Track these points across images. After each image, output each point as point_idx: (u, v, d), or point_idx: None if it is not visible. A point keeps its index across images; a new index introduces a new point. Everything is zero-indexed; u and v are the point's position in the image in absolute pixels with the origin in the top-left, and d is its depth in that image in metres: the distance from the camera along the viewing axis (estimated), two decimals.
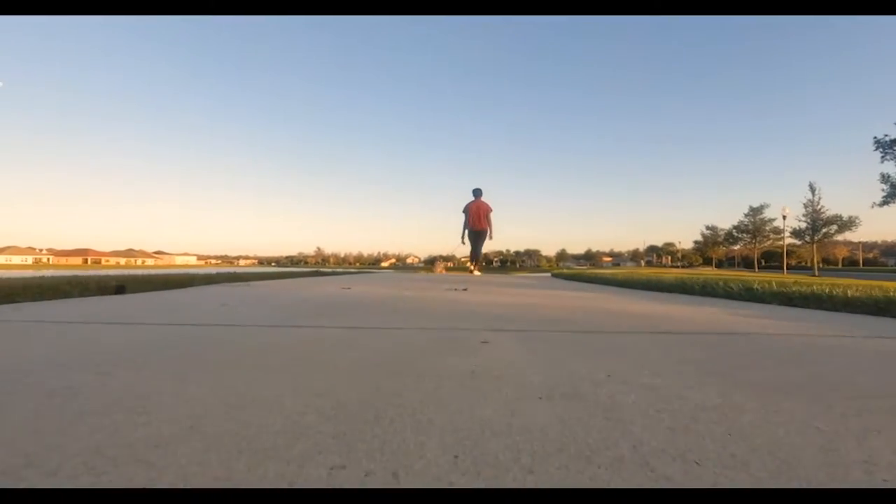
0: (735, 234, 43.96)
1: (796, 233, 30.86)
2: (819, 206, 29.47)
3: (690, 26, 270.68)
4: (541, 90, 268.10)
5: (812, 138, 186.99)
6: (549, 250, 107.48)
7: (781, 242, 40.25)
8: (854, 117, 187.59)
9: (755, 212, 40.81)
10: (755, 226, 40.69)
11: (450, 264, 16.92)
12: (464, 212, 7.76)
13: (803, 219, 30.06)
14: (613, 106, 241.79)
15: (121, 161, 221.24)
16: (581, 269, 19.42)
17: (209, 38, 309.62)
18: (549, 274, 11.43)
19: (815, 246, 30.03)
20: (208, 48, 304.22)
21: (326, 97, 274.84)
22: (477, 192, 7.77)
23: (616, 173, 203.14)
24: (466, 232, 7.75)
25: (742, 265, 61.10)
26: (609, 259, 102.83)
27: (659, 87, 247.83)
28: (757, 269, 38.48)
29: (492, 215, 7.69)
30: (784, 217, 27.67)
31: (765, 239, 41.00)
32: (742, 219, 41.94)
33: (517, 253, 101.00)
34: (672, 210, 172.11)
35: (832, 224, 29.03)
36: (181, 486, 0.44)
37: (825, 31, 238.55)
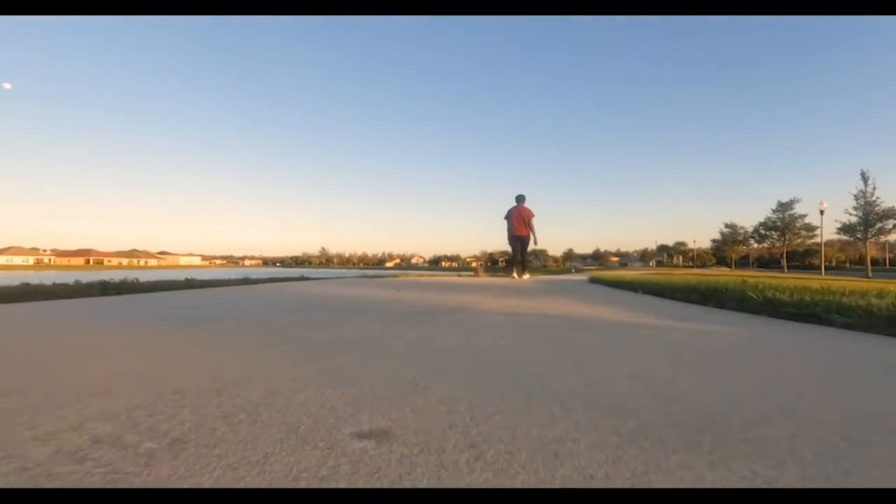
0: (762, 231, 40.89)
1: (846, 228, 27.39)
2: (874, 198, 26.07)
3: (691, 26, 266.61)
4: (545, 91, 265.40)
5: (824, 138, 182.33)
6: (554, 250, 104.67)
7: (814, 240, 37.18)
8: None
9: (784, 207, 37.95)
10: (784, 222, 37.84)
11: (455, 264, 14.72)
12: (506, 218, 7.79)
13: (854, 212, 26.70)
14: (616, 106, 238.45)
15: (126, 162, 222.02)
16: (622, 271, 16.81)
17: (217, 39, 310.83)
18: (583, 277, 9.15)
19: (867, 243, 26.78)
20: (215, 49, 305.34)
21: (331, 98, 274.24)
22: (519, 198, 7.76)
23: (618, 173, 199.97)
24: (509, 237, 7.77)
25: (756, 265, 57.85)
26: (616, 259, 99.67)
27: (665, 89, 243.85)
28: (786, 270, 35.60)
29: (534, 220, 7.69)
30: (822, 212, 25.06)
31: (795, 236, 38.01)
32: (770, 215, 39.09)
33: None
34: (679, 210, 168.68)
35: (889, 218, 25.57)
36: None
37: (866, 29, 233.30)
